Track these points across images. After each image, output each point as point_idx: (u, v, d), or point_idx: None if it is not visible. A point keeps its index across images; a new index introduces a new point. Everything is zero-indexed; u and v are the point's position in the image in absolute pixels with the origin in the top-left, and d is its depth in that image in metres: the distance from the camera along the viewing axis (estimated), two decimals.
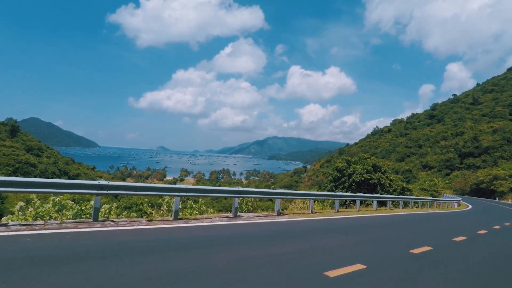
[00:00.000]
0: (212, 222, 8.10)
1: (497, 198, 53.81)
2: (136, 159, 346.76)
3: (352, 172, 27.27)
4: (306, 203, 13.52)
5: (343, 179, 28.19)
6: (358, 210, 15.53)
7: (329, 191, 28.60)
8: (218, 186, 15.15)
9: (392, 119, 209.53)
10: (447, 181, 77.20)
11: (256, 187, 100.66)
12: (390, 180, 27.69)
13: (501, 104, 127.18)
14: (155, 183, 11.47)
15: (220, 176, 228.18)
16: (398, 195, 26.00)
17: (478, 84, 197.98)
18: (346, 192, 27.19)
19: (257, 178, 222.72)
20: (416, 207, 25.16)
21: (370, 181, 26.46)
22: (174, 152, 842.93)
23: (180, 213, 9.32)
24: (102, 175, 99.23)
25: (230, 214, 9.76)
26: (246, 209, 11.93)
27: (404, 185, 27.97)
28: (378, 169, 27.38)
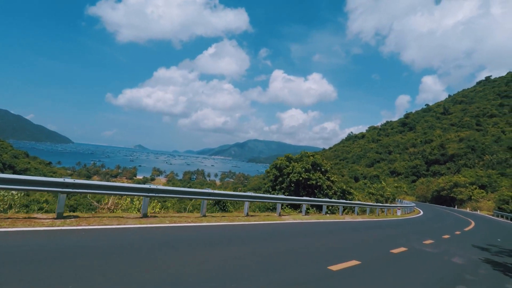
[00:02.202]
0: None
1: (456, 206, 53.01)
2: (110, 157, 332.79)
3: (290, 171, 24.65)
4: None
5: (280, 179, 25.54)
6: (286, 214, 12.69)
7: (265, 191, 25.86)
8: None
9: (368, 126, 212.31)
10: (411, 188, 76.68)
11: (225, 189, 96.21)
12: (332, 181, 25.23)
13: (469, 114, 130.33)
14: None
15: (194, 177, 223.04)
16: (338, 199, 23.61)
17: (449, 96, 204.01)
18: (284, 193, 24.60)
19: (232, 180, 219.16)
20: (362, 213, 22.72)
21: (308, 182, 23.91)
22: (152, 151, 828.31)
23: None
24: (58, 171, 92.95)
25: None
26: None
27: (344, 187, 25.48)
28: (318, 168, 24.87)
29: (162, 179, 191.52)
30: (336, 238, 9.22)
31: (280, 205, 14.04)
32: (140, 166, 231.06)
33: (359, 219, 18.17)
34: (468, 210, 47.46)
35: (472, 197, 51.91)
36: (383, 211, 26.39)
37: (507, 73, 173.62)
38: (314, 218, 14.32)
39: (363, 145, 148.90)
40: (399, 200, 53.78)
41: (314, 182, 23.61)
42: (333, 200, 20.18)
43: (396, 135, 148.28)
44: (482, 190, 53.40)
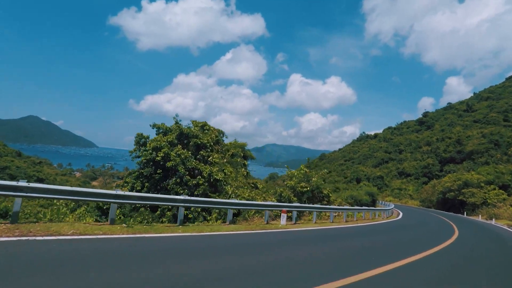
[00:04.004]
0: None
1: (465, 213, 39.24)
2: (127, 160, 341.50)
3: None
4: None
5: None
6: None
7: None
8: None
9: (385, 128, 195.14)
10: (418, 191, 62.67)
11: None
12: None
13: (495, 110, 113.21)
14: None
15: None
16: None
17: (474, 93, 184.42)
18: None
19: None
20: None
21: None
22: None
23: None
24: (44, 170, 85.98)
25: None
26: None
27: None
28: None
29: None
30: None
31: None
32: None
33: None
34: (480, 218, 33.77)
35: (488, 201, 38.09)
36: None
37: None
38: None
39: (373, 144, 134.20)
40: (381, 202, 41.86)
41: None
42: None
43: (411, 134, 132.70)
44: (502, 191, 39.15)
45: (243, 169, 21.46)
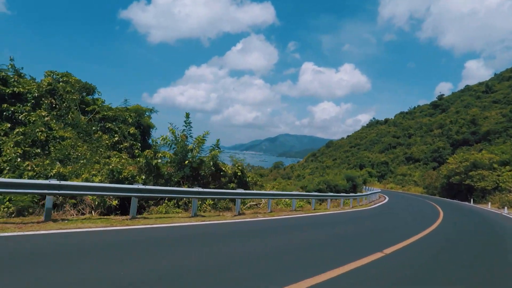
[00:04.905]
0: None
1: (472, 200, 31.74)
2: None
3: None
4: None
5: None
6: None
7: None
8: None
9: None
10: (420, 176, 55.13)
11: None
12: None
13: None
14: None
15: None
16: None
17: (495, 74, 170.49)
18: None
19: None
20: None
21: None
22: None
23: None
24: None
25: None
26: None
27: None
28: None
29: None
30: None
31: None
32: None
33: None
34: (489, 207, 26.45)
35: (501, 185, 30.53)
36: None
37: None
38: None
39: (382, 130, 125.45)
40: (366, 187, 35.43)
41: None
42: None
43: (424, 118, 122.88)
44: None
45: (131, 142, 15.22)
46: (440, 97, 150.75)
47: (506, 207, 22.61)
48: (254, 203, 13.34)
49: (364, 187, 36.33)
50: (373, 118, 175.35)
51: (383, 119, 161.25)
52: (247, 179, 13.60)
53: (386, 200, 25.82)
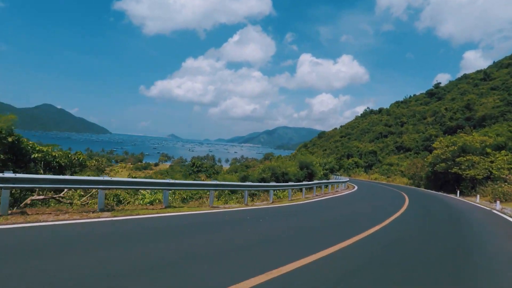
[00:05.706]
0: None
1: (458, 192, 26.00)
2: (135, 145, 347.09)
3: None
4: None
5: None
6: None
7: None
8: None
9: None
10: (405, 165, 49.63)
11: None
12: None
13: None
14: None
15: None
16: None
17: (494, 62, 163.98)
18: None
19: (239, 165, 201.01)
20: None
21: None
22: (184, 140, 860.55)
23: None
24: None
25: None
26: None
27: None
28: None
29: (168, 164, 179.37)
30: None
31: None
32: (158, 152, 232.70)
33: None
34: (478, 201, 20.87)
35: (494, 173, 24.88)
36: None
37: None
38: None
39: (375, 118, 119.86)
40: (337, 176, 30.10)
41: None
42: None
43: (419, 107, 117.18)
44: None
45: None
46: (437, 86, 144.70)
47: (498, 202, 17.08)
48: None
49: (335, 176, 31.00)
50: (367, 108, 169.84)
51: (377, 109, 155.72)
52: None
53: (348, 192, 20.32)
